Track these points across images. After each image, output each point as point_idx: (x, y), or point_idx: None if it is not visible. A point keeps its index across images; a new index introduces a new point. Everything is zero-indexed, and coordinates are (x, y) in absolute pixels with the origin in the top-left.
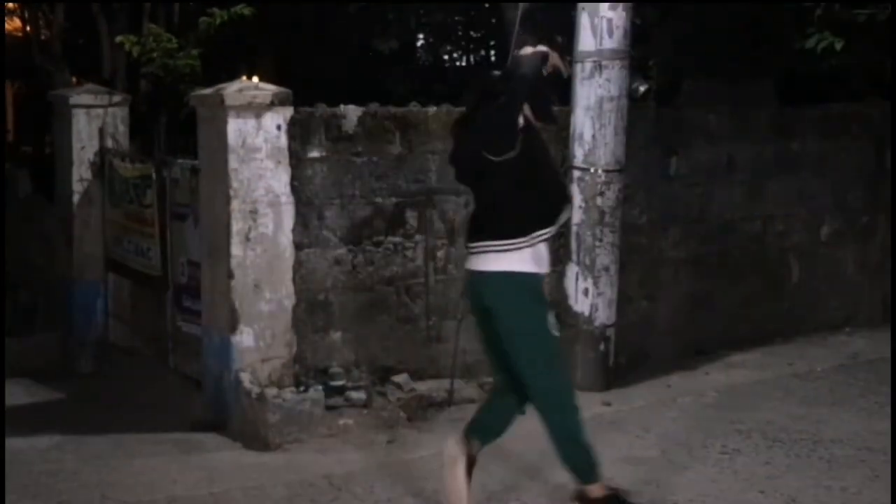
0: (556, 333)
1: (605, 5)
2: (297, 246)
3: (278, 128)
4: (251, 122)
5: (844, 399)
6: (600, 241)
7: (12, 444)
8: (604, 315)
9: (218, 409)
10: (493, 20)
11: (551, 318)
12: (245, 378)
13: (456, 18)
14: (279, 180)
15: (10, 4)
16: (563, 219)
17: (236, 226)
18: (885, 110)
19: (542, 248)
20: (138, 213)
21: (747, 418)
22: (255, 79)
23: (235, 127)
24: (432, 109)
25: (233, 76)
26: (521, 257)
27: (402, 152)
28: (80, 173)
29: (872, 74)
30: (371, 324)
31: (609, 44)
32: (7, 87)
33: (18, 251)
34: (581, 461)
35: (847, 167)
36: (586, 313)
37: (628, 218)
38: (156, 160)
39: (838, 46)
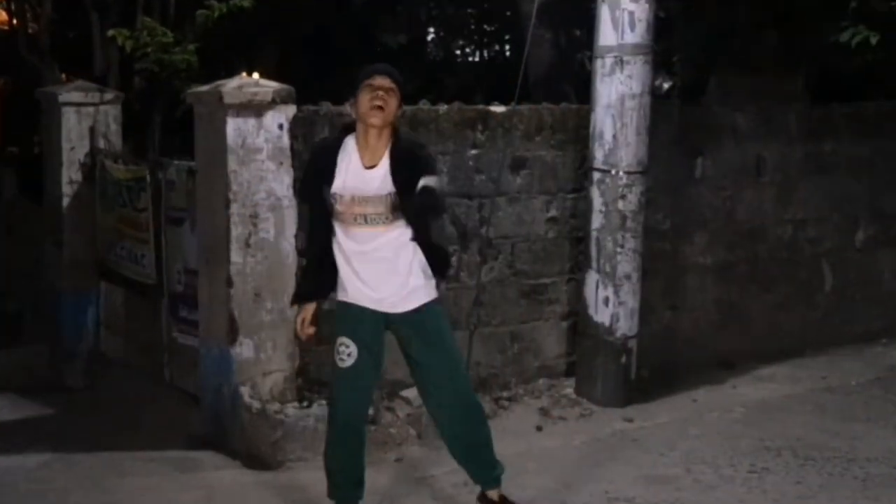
0: (340, 364)
1: None
2: (300, 252)
3: (280, 127)
4: (251, 121)
5: (880, 415)
6: (621, 247)
7: None
8: (625, 325)
9: (216, 425)
10: (508, 13)
11: (340, 344)
12: (245, 392)
13: (468, 11)
14: (281, 183)
15: None
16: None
17: (235, 231)
18: None
19: (343, 277)
20: (132, 218)
21: (777, 435)
22: (256, 75)
23: (235, 126)
24: (443, 108)
25: (232, 72)
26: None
27: None
28: (70, 175)
29: None
30: None
31: (631, 38)
32: None
33: (4, 257)
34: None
35: (883, 169)
36: (607, 324)
37: (651, 223)
38: (150, 161)
39: (874, 41)
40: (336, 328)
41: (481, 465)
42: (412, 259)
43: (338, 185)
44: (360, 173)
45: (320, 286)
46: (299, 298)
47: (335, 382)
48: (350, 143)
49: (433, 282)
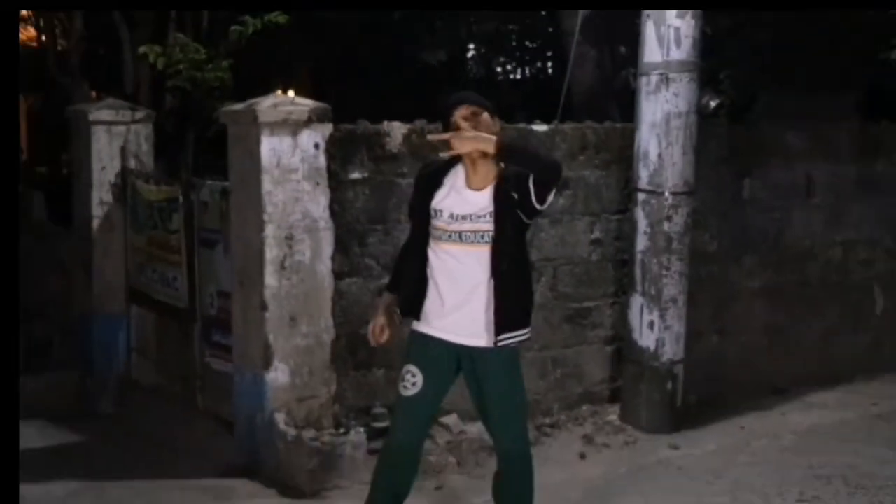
0: (402, 391)
1: (673, 13)
2: (337, 275)
3: (316, 146)
4: (287, 141)
5: None
6: (667, 269)
7: (26, 490)
8: (671, 350)
9: (250, 453)
10: (550, 29)
11: (406, 372)
12: (280, 419)
13: (509, 27)
14: (317, 203)
15: (24, 12)
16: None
17: (270, 253)
18: None
19: (427, 304)
20: (163, 240)
21: (828, 463)
22: (291, 93)
23: (269, 145)
24: None
25: (266, 90)
26: None
27: None
28: (101, 196)
29: None
30: None
31: (677, 55)
32: (21, 103)
33: (33, 281)
34: None
35: None
36: (652, 348)
37: (698, 245)
38: (182, 182)
39: None
40: (407, 354)
41: None
42: (496, 289)
43: (437, 200)
44: (463, 192)
45: (407, 290)
46: (394, 285)
47: (396, 409)
48: (460, 167)
49: (515, 323)
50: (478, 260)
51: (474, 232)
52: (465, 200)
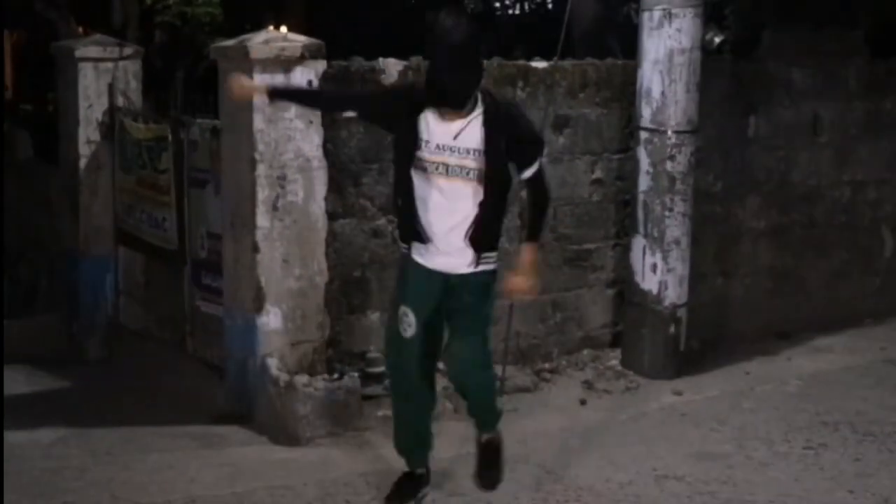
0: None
1: None
2: (331, 216)
3: (309, 84)
4: (279, 78)
5: None
6: (670, 210)
7: (12, 437)
8: (674, 293)
9: (241, 399)
10: None
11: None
12: (272, 364)
13: None
14: (310, 142)
15: None
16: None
17: (262, 193)
18: None
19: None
20: (152, 180)
21: (835, 409)
22: (284, 29)
23: (262, 83)
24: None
25: (258, 26)
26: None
27: None
28: (88, 135)
29: None
30: None
31: None
32: (6, 39)
33: (18, 222)
34: None
35: None
36: (654, 291)
37: (701, 184)
38: (172, 120)
39: None
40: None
41: None
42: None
43: (422, 128)
44: (441, 125)
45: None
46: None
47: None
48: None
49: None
50: (465, 195)
51: (460, 167)
52: (446, 132)
